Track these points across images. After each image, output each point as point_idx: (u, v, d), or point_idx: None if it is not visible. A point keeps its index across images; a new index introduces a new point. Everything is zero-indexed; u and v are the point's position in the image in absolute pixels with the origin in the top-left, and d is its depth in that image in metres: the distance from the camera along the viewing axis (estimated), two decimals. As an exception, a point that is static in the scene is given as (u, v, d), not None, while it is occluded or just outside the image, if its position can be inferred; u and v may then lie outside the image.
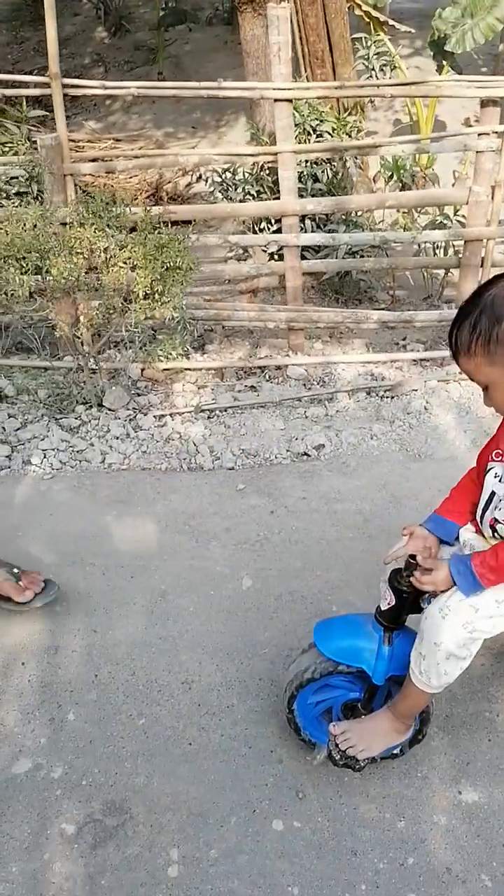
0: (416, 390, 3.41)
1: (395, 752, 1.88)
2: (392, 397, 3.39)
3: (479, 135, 3.76)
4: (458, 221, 4.73)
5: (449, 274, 4.85)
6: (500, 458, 1.60)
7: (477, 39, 5.72)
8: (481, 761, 1.97)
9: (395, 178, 4.96)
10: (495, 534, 1.64)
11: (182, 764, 1.98)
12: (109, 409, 3.38)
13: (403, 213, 5.00)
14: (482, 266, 4.02)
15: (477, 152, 3.79)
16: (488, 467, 1.64)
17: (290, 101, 3.61)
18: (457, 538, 1.75)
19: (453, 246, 4.61)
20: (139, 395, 3.56)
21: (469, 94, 3.70)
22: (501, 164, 3.78)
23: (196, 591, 2.45)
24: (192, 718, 2.08)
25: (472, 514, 1.73)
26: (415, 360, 3.83)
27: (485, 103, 3.72)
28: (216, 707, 2.11)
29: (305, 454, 3.00)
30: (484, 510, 1.65)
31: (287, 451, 3.03)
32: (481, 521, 1.67)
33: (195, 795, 1.91)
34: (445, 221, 4.67)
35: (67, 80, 3.59)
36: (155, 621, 2.37)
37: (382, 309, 4.65)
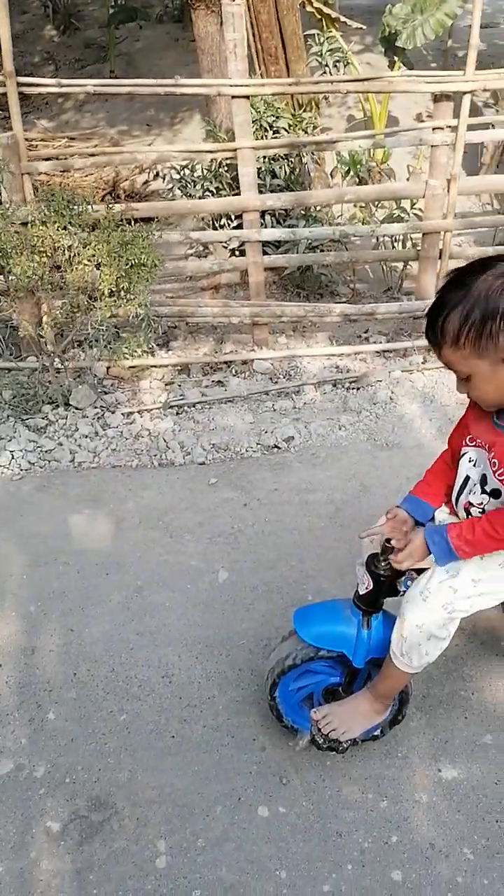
0: (380, 381, 3.46)
1: (375, 733, 1.92)
2: (358, 388, 3.43)
3: (434, 129, 3.82)
4: (415, 214, 4.81)
5: (408, 266, 4.92)
6: (474, 442, 1.63)
7: (427, 35, 5.79)
8: (459, 739, 2.01)
9: (351, 173, 5.01)
10: (469, 516, 1.68)
11: (165, 757, 1.99)
12: (77, 408, 3.37)
13: (361, 207, 5.06)
14: (440, 258, 4.09)
15: (432, 146, 3.85)
16: (462, 452, 1.67)
17: (247, 97, 3.63)
18: (431, 520, 1.79)
19: (411, 239, 4.68)
20: (106, 393, 3.55)
21: (422, 89, 3.75)
22: (455, 157, 3.84)
23: (172, 586, 2.46)
24: (173, 712, 2.10)
25: (446, 497, 1.77)
26: (378, 352, 3.88)
27: (437, 98, 3.78)
28: (197, 699, 2.12)
29: (275, 447, 3.03)
30: (459, 493, 1.69)
31: (257, 444, 3.05)
32: (456, 504, 1.71)
33: (180, 787, 1.92)
34: (403, 215, 4.74)
35: (22, 79, 3.56)
36: (132, 617, 2.37)
37: (344, 302, 4.70)
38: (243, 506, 2.75)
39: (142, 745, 2.02)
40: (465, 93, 3.71)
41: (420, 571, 1.77)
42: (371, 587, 1.73)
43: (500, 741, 2.01)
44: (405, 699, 1.88)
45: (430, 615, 1.66)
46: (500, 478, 1.57)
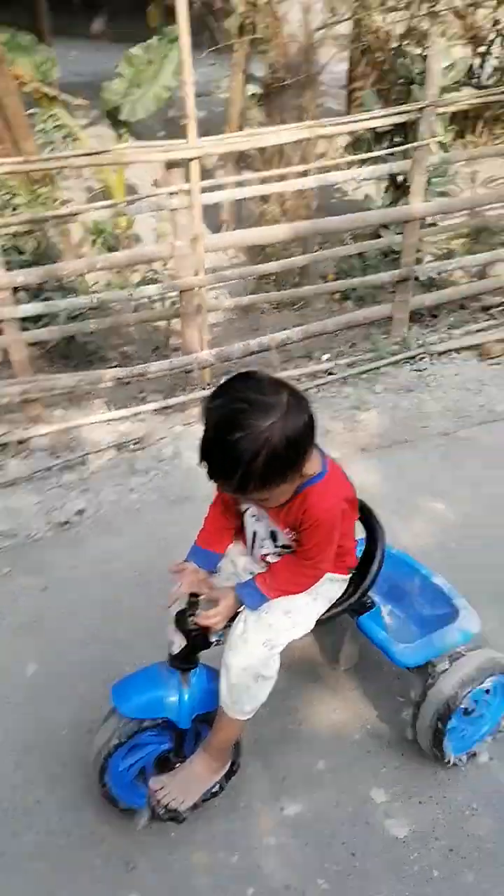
0: (163, 438, 3.51)
1: (214, 790, 1.90)
2: (142, 449, 3.44)
3: (171, 194, 3.99)
4: (169, 274, 4.97)
5: (171, 324, 5.06)
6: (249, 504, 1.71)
7: (148, 108, 6.09)
8: (295, 772, 2.05)
9: (98, 241, 5.09)
10: (264, 564, 1.76)
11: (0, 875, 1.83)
12: None
13: (117, 272, 5.14)
14: (199, 312, 4.25)
15: (171, 210, 4.02)
16: (244, 508, 1.74)
17: (-21, 177, 3.58)
18: (218, 566, 1.83)
19: (170, 298, 4.83)
20: None
21: (151, 159, 3.91)
22: (195, 218, 4.03)
23: (-22, 692, 2.29)
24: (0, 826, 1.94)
25: (229, 540, 1.82)
26: (156, 410, 3.93)
27: (169, 165, 3.96)
28: (23, 807, 1.98)
29: (67, 522, 2.94)
30: (252, 546, 1.76)
31: (47, 523, 2.95)
32: (252, 554, 1.78)
33: (21, 907, 1.77)
34: (156, 276, 4.88)
35: None
36: None
37: (115, 366, 4.72)
38: (42, 590, 2.64)
39: (-29, 875, 1.84)
40: (190, 159, 3.93)
41: (231, 620, 1.80)
42: (184, 644, 1.72)
43: (332, 764, 2.07)
44: (238, 750, 1.88)
45: (253, 656, 1.69)
46: (288, 535, 1.67)
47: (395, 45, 6.72)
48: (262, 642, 1.70)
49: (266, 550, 1.74)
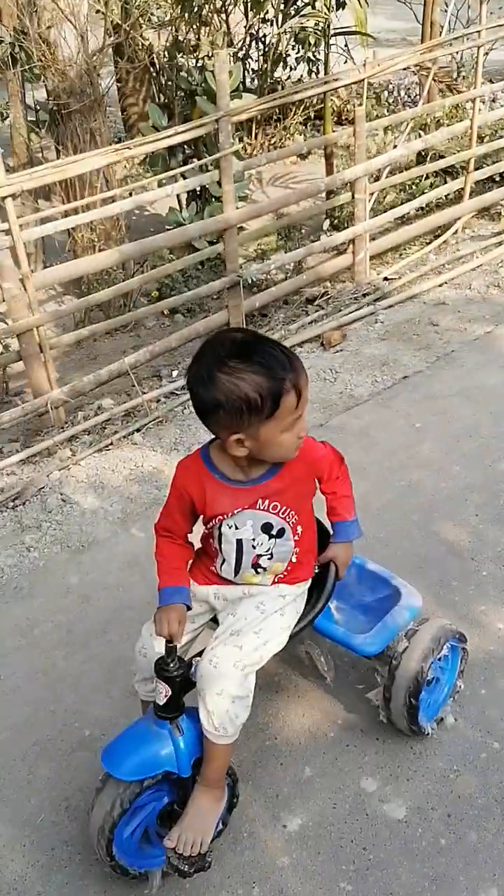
0: (42, 488, 3.36)
1: (219, 829, 1.87)
2: (24, 503, 3.28)
3: (-12, 236, 3.82)
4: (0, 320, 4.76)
5: (9, 368, 4.85)
6: (232, 513, 1.71)
7: None
8: (285, 786, 2.07)
9: None
10: (258, 570, 1.76)
11: None
12: None
13: None
14: (41, 351, 4.11)
15: (-9, 252, 3.85)
16: (219, 525, 1.73)
17: None
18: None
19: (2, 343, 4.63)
20: None
21: (-38, 201, 3.72)
22: (20, 256, 3.89)
23: None
24: (3, 937, 1.80)
25: (186, 569, 1.82)
26: (21, 461, 3.76)
27: (-22, 206, 3.79)
28: (23, 907, 1.85)
29: (-29, 599, 2.76)
30: (237, 561, 1.74)
31: None
32: (237, 572, 1.77)
33: None
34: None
35: None
36: None
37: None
38: (-32, 676, 2.46)
39: None
40: (4, 197, 3.78)
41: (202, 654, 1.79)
42: (169, 693, 1.68)
43: (317, 767, 2.11)
44: (234, 780, 1.86)
45: (224, 679, 1.69)
46: (285, 515, 1.72)
47: (164, 58, 6.83)
48: (232, 664, 1.70)
49: (261, 550, 1.74)
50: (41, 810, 2.05)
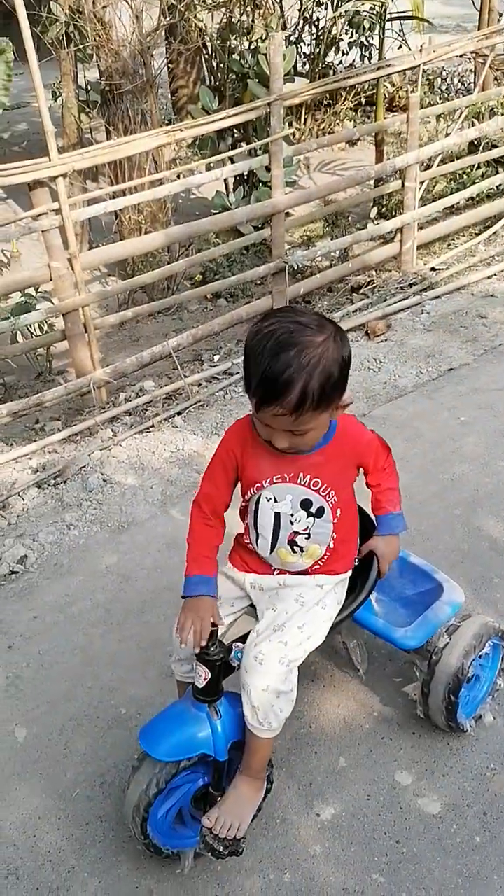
0: (84, 467, 3.39)
1: (253, 815, 1.87)
2: (65, 482, 3.31)
3: (38, 216, 3.84)
4: (44, 298, 4.80)
5: (52, 347, 4.89)
6: (269, 480, 1.69)
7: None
8: (319, 775, 2.06)
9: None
10: (294, 548, 1.74)
11: None
12: None
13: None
14: (86, 331, 4.13)
15: (42, 232, 3.87)
16: (257, 497, 1.72)
17: None
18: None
19: (49, 322, 4.66)
20: None
21: (14, 180, 3.74)
22: (69, 236, 3.91)
23: (-33, 771, 2.14)
24: (37, 907, 1.82)
25: (215, 557, 1.80)
26: (63, 439, 3.79)
27: (32, 186, 3.81)
28: (56, 880, 1.87)
29: (13, 573, 2.78)
30: (275, 535, 1.73)
31: (-11, 578, 2.78)
32: (273, 547, 1.75)
33: None
34: (30, 302, 4.70)
35: None
36: None
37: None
38: (8, 649, 2.49)
39: None
40: (55, 177, 3.79)
41: (243, 639, 1.78)
42: (209, 676, 1.68)
43: (352, 758, 2.10)
44: (271, 767, 1.86)
45: (270, 675, 1.68)
46: (325, 493, 1.69)
47: (217, 41, 6.77)
48: (277, 660, 1.70)
49: (299, 527, 1.72)
50: (76, 784, 2.07)
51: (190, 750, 1.71)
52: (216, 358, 4.66)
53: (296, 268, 5.22)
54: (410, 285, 5.02)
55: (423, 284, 4.98)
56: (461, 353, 4.03)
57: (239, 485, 1.80)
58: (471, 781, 2.02)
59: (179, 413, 3.85)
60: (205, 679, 1.69)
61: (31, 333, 4.75)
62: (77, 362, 4.19)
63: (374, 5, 6.44)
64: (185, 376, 4.17)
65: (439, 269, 5.20)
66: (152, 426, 3.74)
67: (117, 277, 6.35)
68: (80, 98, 6.41)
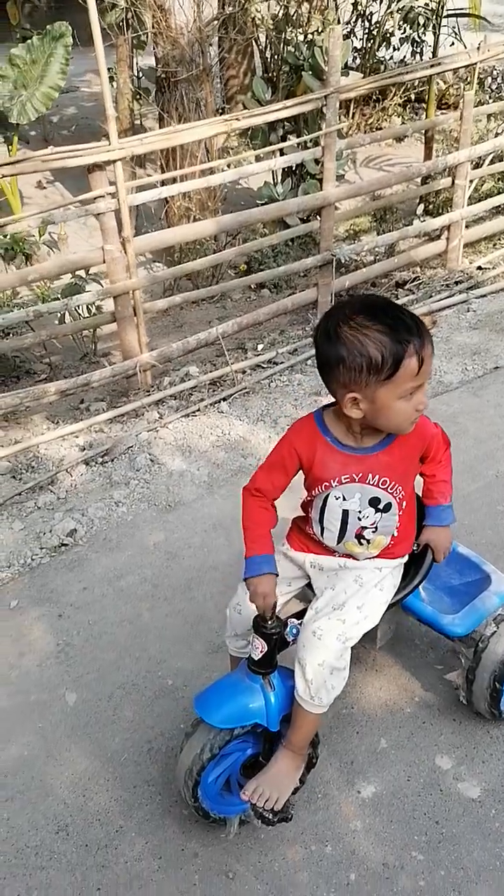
0: (131, 447, 3.45)
1: (297, 786, 1.92)
2: (112, 461, 3.38)
3: (95, 199, 3.90)
4: (93, 280, 4.87)
5: (99, 329, 4.96)
6: (337, 480, 1.73)
7: (38, 109, 5.90)
8: (360, 755, 2.11)
9: (15, 253, 4.91)
10: (361, 541, 1.78)
11: (100, 915, 1.80)
12: None
13: (39, 284, 4.98)
14: (135, 315, 4.19)
15: (97, 215, 3.94)
16: (325, 495, 1.76)
17: None
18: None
19: (98, 304, 4.73)
20: None
21: (75, 163, 3.81)
22: (124, 220, 3.97)
23: (20, 734, 2.21)
24: (86, 863, 1.89)
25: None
26: (109, 419, 3.86)
27: (90, 169, 3.88)
28: (105, 838, 1.94)
29: (63, 545, 2.86)
30: (342, 530, 1.77)
31: (41, 548, 2.85)
32: (340, 540, 1.80)
33: (131, 938, 1.75)
34: (79, 282, 4.78)
35: None
36: (-10, 784, 2.08)
37: (44, 380, 4.60)
38: (59, 617, 2.57)
39: (68, 917, 1.79)
40: (114, 161, 3.85)
41: (299, 616, 1.83)
42: (265, 649, 1.74)
43: (393, 739, 2.14)
44: (316, 742, 1.91)
45: (327, 651, 1.73)
46: (392, 490, 1.73)
47: (273, 32, 6.79)
48: (336, 637, 1.74)
49: (366, 522, 1.76)
50: (124, 749, 2.14)
51: (244, 719, 1.76)
52: (259, 347, 4.70)
53: (343, 261, 5.24)
54: (456, 283, 5.02)
55: (469, 283, 4.98)
56: (507, 352, 4.04)
57: (303, 479, 1.83)
58: (511, 769, 2.05)
59: (225, 399, 3.90)
60: (261, 651, 1.74)
61: (80, 315, 4.82)
62: (125, 345, 4.26)
63: (431, 1, 6.42)
64: (231, 362, 4.22)
65: (485, 269, 5.20)
66: (198, 410, 3.79)
67: (163, 264, 6.41)
68: (133, 85, 6.48)
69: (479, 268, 5.24)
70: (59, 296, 4.72)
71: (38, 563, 2.79)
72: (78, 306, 4.59)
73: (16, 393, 3.89)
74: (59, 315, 4.79)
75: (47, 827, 1.97)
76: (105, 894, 1.83)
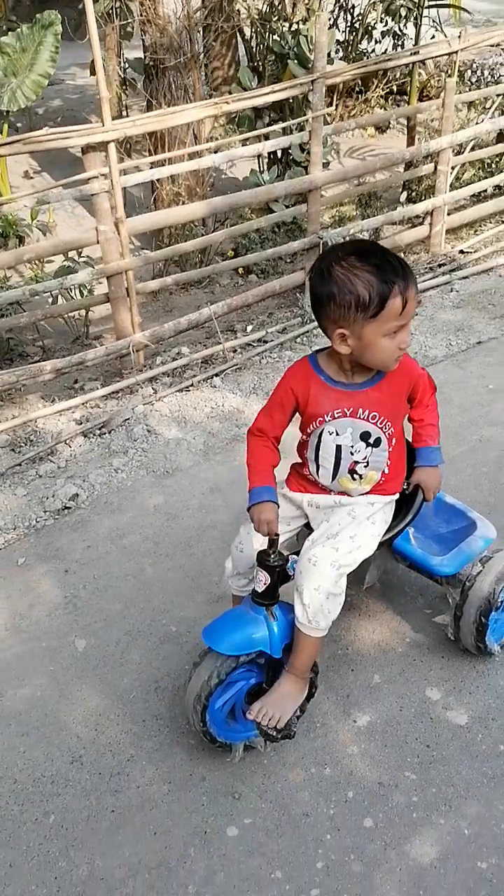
0: (128, 419, 3.56)
1: (298, 714, 2.05)
2: (110, 432, 3.49)
3: (89, 180, 4.01)
4: (85, 262, 4.96)
5: (90, 311, 5.06)
6: (331, 415, 1.87)
7: (28, 96, 5.97)
8: (356, 689, 2.24)
9: (9, 234, 5.00)
10: (354, 476, 1.91)
11: (115, 834, 1.92)
12: None
13: (32, 265, 5.07)
14: (128, 295, 4.30)
15: (92, 195, 4.04)
16: (319, 431, 1.89)
17: None
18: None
19: (89, 285, 4.83)
20: None
21: (70, 144, 3.91)
22: (117, 201, 4.07)
23: (33, 676, 2.32)
24: (100, 788, 2.01)
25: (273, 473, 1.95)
26: (104, 396, 3.97)
27: (85, 150, 3.98)
28: (116, 767, 2.07)
29: (66, 508, 2.97)
30: (336, 466, 1.91)
31: (44, 511, 2.96)
32: (334, 476, 1.93)
33: (144, 853, 1.87)
34: (71, 265, 4.87)
35: None
36: (10, 721, 2.20)
37: (37, 360, 4.69)
38: (65, 572, 2.68)
39: (85, 836, 1.91)
40: (108, 142, 3.96)
41: (297, 554, 1.96)
42: (269, 581, 1.86)
43: (386, 676, 2.28)
44: (316, 672, 2.04)
45: (322, 577, 1.86)
46: (382, 425, 1.87)
47: (259, 21, 6.90)
48: (329, 563, 1.87)
49: (358, 457, 1.89)
50: (132, 688, 2.26)
51: (249, 646, 1.89)
52: (248, 328, 4.82)
53: (329, 244, 5.38)
54: (440, 266, 5.17)
55: (451, 265, 5.13)
56: (489, 328, 4.19)
57: (299, 421, 1.97)
58: (495, 699, 2.20)
59: (217, 375, 4.02)
60: (264, 584, 1.87)
61: (72, 297, 4.92)
62: (118, 325, 4.36)
63: (412, -8, 6.56)
64: (223, 340, 4.34)
65: (467, 252, 5.35)
66: (191, 385, 3.91)
67: (149, 249, 6.51)
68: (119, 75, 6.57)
69: (462, 252, 5.40)
70: (52, 276, 4.81)
71: (43, 524, 2.91)
72: (71, 288, 4.70)
73: (12, 371, 3.99)
74: (51, 296, 4.89)
75: (62, 758, 2.09)
76: (119, 816, 1.95)
